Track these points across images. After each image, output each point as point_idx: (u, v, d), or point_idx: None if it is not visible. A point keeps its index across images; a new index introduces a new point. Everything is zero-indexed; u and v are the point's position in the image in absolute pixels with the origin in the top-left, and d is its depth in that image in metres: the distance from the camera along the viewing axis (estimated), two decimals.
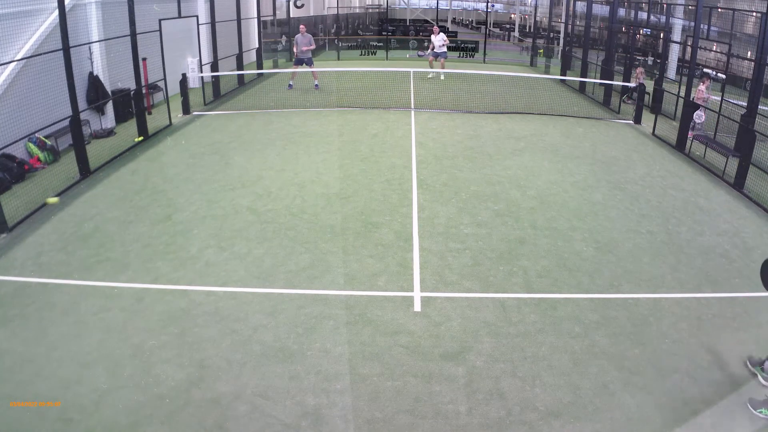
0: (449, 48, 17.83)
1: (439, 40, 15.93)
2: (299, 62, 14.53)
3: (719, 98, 9.93)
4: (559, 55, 19.95)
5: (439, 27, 17.07)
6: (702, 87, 10.25)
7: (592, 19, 16.21)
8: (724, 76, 12.32)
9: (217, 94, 13.29)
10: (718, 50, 15.68)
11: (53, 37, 8.27)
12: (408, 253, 5.68)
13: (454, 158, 8.75)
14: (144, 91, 10.48)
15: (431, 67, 16.21)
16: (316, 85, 14.41)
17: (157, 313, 4.62)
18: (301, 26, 14.79)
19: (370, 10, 39.74)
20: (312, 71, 14.49)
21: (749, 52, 13.80)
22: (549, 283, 5.17)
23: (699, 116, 9.59)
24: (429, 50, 16.46)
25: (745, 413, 3.65)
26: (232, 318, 4.55)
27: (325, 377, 3.90)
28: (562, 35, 20.57)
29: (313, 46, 14.79)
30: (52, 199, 6.10)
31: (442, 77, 15.93)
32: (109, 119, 10.49)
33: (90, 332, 4.34)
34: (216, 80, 13.42)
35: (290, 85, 14.50)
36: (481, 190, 7.44)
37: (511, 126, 10.72)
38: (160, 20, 10.77)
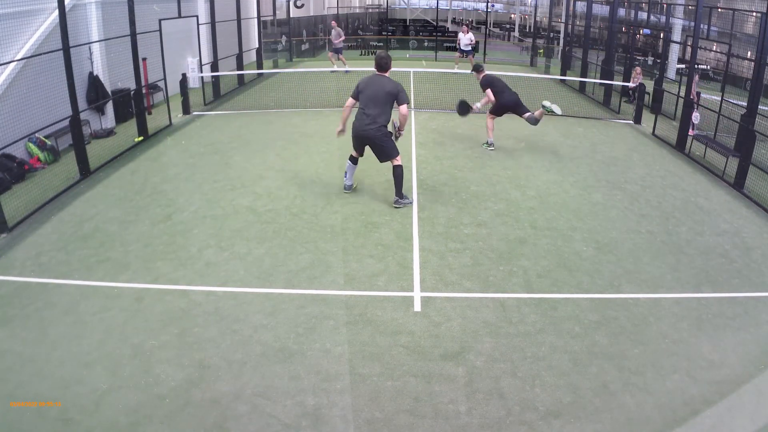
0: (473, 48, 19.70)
1: (466, 39, 18.16)
2: (337, 51, 17.99)
3: (717, 98, 9.93)
4: (559, 55, 19.94)
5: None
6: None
7: (592, 19, 16.21)
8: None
9: (217, 94, 13.29)
10: (718, 50, 15.67)
11: (53, 37, 8.27)
12: (408, 253, 5.68)
13: (454, 158, 8.75)
14: (144, 91, 10.48)
15: (456, 64, 18.25)
16: (347, 70, 17.19)
17: (157, 313, 4.62)
18: (333, 22, 18.42)
19: (370, 10, 39.70)
20: (341, 58, 18.00)
21: (749, 52, 13.80)
22: (549, 283, 5.17)
23: (696, 117, 9.62)
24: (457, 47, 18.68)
25: (745, 413, 3.65)
26: (232, 318, 4.55)
27: (325, 377, 3.90)
28: (562, 35, 20.56)
29: (343, 37, 18.46)
30: None
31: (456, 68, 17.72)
32: (109, 119, 10.49)
33: (90, 332, 4.34)
34: (216, 80, 13.42)
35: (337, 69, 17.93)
36: (481, 190, 7.44)
37: (511, 126, 10.69)
38: (160, 20, 10.77)
